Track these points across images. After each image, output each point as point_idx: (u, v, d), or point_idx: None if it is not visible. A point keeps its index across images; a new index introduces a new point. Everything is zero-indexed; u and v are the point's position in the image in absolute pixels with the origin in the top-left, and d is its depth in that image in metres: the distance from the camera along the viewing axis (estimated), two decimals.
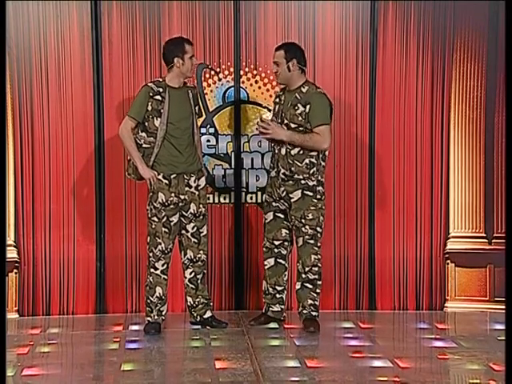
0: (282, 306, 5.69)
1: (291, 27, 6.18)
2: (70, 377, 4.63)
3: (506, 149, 5.53)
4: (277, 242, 5.60)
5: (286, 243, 5.62)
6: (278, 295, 5.66)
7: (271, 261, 5.62)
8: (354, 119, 6.23)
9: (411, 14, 6.20)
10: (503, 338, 4.86)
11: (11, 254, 6.01)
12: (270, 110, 6.16)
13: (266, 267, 5.64)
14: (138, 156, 5.40)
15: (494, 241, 6.23)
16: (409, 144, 6.26)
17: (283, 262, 5.63)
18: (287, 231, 5.60)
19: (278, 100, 5.63)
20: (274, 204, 5.58)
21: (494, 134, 6.23)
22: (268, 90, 6.18)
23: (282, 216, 5.58)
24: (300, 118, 5.44)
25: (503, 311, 5.24)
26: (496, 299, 6.17)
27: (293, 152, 5.46)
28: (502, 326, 5.44)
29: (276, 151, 5.54)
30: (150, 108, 5.38)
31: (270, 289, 5.65)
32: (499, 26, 6.10)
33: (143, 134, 5.41)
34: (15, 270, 6.05)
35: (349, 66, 6.22)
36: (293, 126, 5.46)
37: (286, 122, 5.48)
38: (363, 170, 6.25)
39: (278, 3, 6.17)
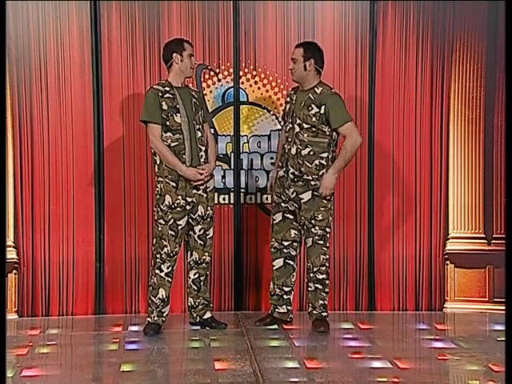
0: (289, 307, 5.66)
1: (291, 27, 6.17)
2: (69, 378, 4.62)
3: (506, 149, 5.53)
4: (286, 243, 5.56)
5: (295, 244, 5.58)
6: (285, 296, 5.62)
7: (280, 261, 5.58)
8: (353, 119, 6.22)
9: (410, 14, 6.20)
10: (503, 338, 4.87)
11: (11, 254, 6.01)
12: (269, 111, 6.18)
13: (275, 268, 5.60)
14: (177, 162, 5.32)
15: (493, 241, 6.23)
16: (408, 144, 6.26)
17: (292, 263, 5.59)
18: (296, 232, 5.56)
19: (289, 99, 5.56)
20: (283, 205, 5.53)
21: (494, 134, 6.22)
22: (267, 91, 6.18)
23: (291, 217, 5.54)
24: (314, 119, 5.38)
25: (502, 312, 5.26)
26: (495, 300, 6.18)
27: (303, 152, 5.41)
28: (501, 327, 5.44)
29: (286, 150, 5.49)
30: (165, 107, 5.33)
31: (278, 290, 5.61)
32: (498, 25, 6.10)
33: (168, 134, 5.35)
34: (14, 271, 6.04)
35: (348, 66, 6.21)
36: (306, 126, 5.40)
37: (298, 122, 5.42)
38: (362, 170, 6.24)
39: (277, 3, 6.17)
